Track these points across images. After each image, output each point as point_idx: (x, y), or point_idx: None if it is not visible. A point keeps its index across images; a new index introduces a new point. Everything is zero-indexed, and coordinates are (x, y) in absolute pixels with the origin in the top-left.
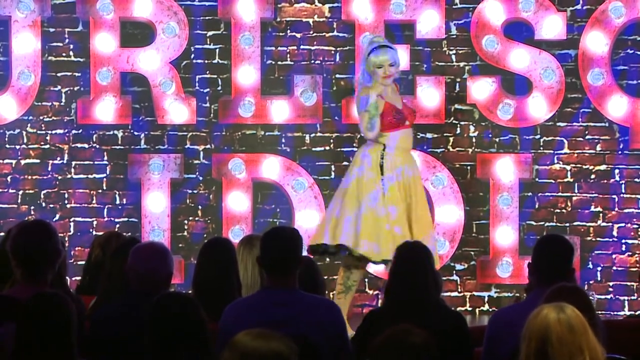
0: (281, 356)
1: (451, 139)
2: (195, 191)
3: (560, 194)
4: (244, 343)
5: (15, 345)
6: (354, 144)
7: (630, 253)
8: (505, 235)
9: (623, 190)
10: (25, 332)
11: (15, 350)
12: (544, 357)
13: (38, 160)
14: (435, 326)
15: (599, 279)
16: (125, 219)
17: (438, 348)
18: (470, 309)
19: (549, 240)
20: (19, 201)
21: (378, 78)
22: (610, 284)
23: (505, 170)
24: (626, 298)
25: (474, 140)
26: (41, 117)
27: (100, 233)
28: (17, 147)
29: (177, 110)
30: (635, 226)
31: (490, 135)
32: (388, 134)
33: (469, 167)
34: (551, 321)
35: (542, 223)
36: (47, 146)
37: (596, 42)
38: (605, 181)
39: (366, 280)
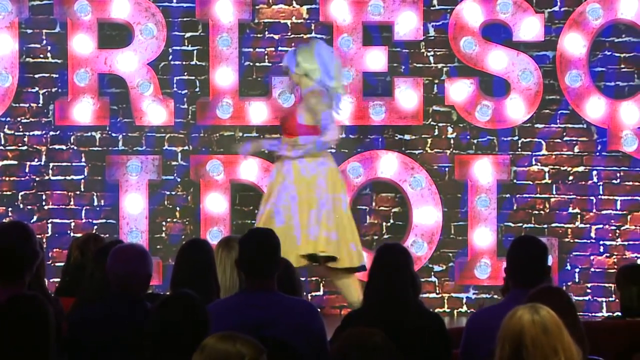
0: (251, 358)
1: (429, 140)
2: (173, 192)
3: (538, 195)
4: (212, 345)
5: None
6: (332, 146)
7: (608, 254)
8: (483, 236)
9: (601, 192)
10: (2, 334)
11: None
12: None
13: (16, 162)
14: (413, 328)
15: (577, 280)
16: (103, 221)
17: (417, 349)
18: (448, 310)
19: (522, 241)
20: None
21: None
22: (589, 285)
23: (484, 171)
24: (604, 299)
25: (452, 141)
26: (19, 119)
27: (79, 235)
28: None
29: (155, 112)
30: (613, 227)
31: (468, 137)
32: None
33: (447, 169)
34: (525, 323)
35: (520, 224)
36: (25, 147)
37: (574, 44)
38: (583, 183)
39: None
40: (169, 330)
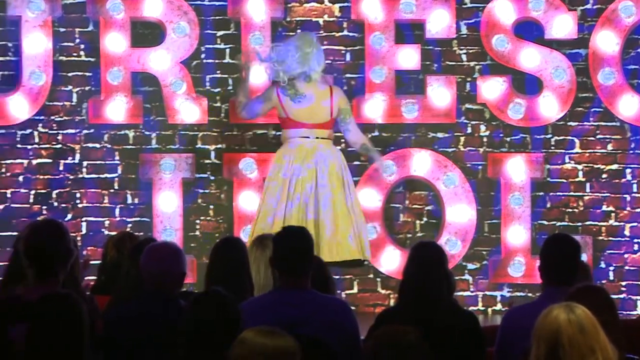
0: (288, 352)
1: (462, 138)
2: (206, 191)
3: (571, 193)
4: (251, 339)
5: (27, 346)
6: None
7: None
8: (517, 234)
9: (635, 190)
10: (36, 333)
11: (27, 350)
12: (555, 359)
13: (50, 160)
14: (447, 326)
15: (611, 278)
16: (137, 219)
17: (451, 348)
18: (482, 308)
19: (555, 239)
20: (31, 201)
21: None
22: (623, 283)
23: (517, 169)
24: (639, 297)
25: (485, 139)
26: (52, 117)
27: (113, 233)
28: (29, 147)
29: (188, 110)
30: None
31: (501, 135)
32: None
33: (480, 167)
34: (562, 322)
35: (553, 222)
36: (59, 146)
37: (607, 42)
38: (617, 180)
39: (378, 279)
40: (202, 328)
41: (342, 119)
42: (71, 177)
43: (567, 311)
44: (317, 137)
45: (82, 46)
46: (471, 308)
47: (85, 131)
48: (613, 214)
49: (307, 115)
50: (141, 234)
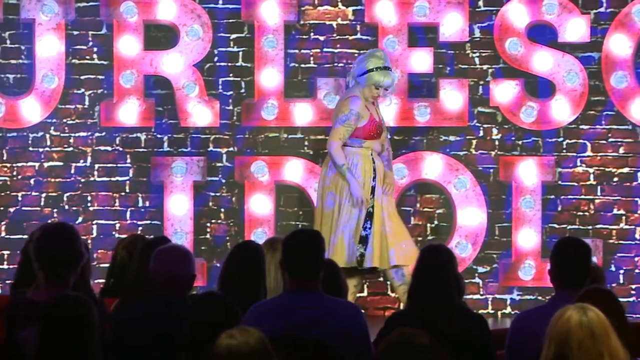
0: (253, 349)
1: (474, 141)
2: (218, 194)
3: (583, 196)
4: (217, 343)
5: (37, 348)
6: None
7: None
8: (527, 238)
9: None
10: (47, 335)
11: (37, 353)
12: None
13: (61, 163)
14: (457, 329)
15: (621, 281)
16: (148, 222)
17: (461, 351)
18: (492, 311)
19: (565, 243)
20: (42, 204)
21: (368, 95)
22: (633, 286)
23: (528, 173)
24: None
25: (496, 143)
26: (64, 120)
27: (123, 236)
28: (41, 149)
29: (200, 113)
30: None
31: (513, 138)
32: (367, 141)
33: (491, 170)
34: (573, 325)
35: (564, 226)
36: (71, 149)
37: (620, 45)
38: (628, 184)
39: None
40: (201, 330)
41: None
42: (82, 180)
43: (580, 313)
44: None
45: (95, 49)
46: (481, 311)
47: (97, 134)
48: (624, 217)
49: None
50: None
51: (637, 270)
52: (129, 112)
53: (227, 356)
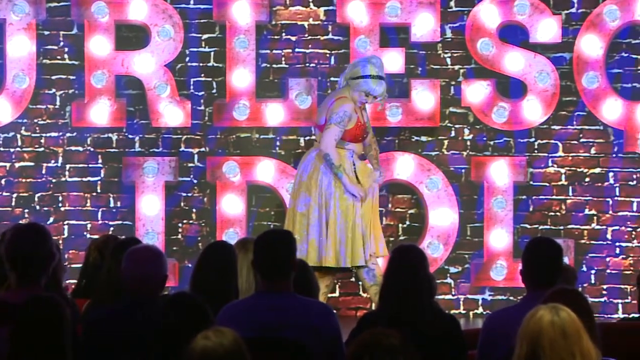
0: (227, 350)
1: (446, 142)
2: (189, 194)
3: (554, 197)
4: (193, 344)
5: (9, 349)
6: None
7: (624, 256)
8: (499, 238)
9: (617, 193)
10: (19, 336)
11: (10, 354)
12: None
13: (32, 163)
14: (429, 329)
15: (593, 282)
16: (120, 222)
17: (433, 351)
18: (464, 312)
19: (537, 243)
20: (13, 204)
21: (358, 100)
22: (604, 287)
23: (500, 173)
24: (620, 301)
25: (468, 143)
26: (36, 120)
27: (95, 236)
28: (12, 149)
29: (171, 113)
30: (629, 229)
31: (484, 139)
32: (351, 143)
33: (463, 170)
34: (544, 324)
35: (536, 226)
36: (42, 149)
37: (591, 46)
38: (600, 184)
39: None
40: (171, 330)
41: None
42: (54, 180)
43: (552, 313)
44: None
45: (66, 49)
46: (453, 311)
47: (68, 134)
48: (595, 218)
49: None
50: (123, 237)
51: (608, 271)
52: (100, 113)
53: (201, 357)
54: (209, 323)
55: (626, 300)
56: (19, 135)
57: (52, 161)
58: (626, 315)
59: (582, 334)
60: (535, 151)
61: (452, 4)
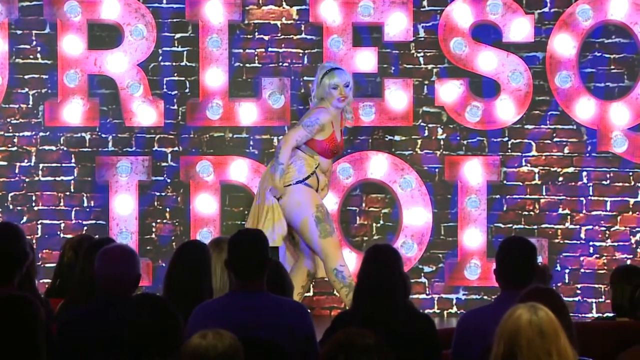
0: (225, 352)
1: (419, 141)
2: (163, 193)
3: (528, 196)
4: (188, 342)
5: None
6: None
7: (597, 255)
8: (473, 237)
9: (591, 193)
10: None
11: None
12: (511, 359)
13: (5, 163)
14: (403, 329)
15: (566, 281)
16: (93, 222)
17: (407, 350)
18: (438, 311)
19: (510, 242)
20: None
21: (334, 100)
22: (578, 286)
23: (473, 172)
24: (594, 300)
25: (442, 142)
26: (8, 120)
27: (69, 236)
28: None
29: (145, 113)
30: (602, 228)
31: (458, 138)
32: (319, 156)
33: (437, 170)
34: (522, 323)
35: (510, 225)
36: (15, 148)
37: (564, 45)
38: (573, 183)
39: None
40: (137, 332)
41: None
42: (27, 179)
43: (530, 312)
44: None
45: (39, 48)
46: (427, 311)
47: (41, 134)
48: (569, 217)
49: None
50: (96, 236)
51: (582, 270)
52: (74, 112)
53: (192, 356)
54: (175, 323)
55: (600, 300)
56: None
57: (25, 160)
58: (600, 315)
59: (560, 333)
60: (509, 150)
61: (424, 3)
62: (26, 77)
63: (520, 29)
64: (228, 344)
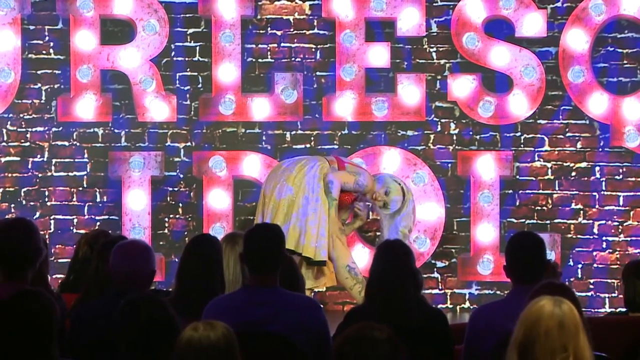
0: (217, 343)
1: (432, 136)
2: (176, 189)
3: (541, 191)
4: (182, 335)
5: None
6: (335, 142)
7: (610, 250)
8: (486, 232)
9: (603, 188)
10: (6, 330)
11: None
12: (528, 345)
13: (18, 158)
14: (416, 324)
15: (579, 276)
16: (106, 217)
17: (419, 346)
18: (451, 306)
19: (518, 238)
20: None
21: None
22: (591, 281)
23: (486, 167)
24: (607, 295)
25: (454, 137)
26: (21, 115)
27: (81, 231)
28: None
29: (157, 108)
30: (615, 223)
31: (470, 133)
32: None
33: (449, 165)
34: (544, 313)
35: (522, 220)
36: (28, 144)
37: (577, 40)
38: (586, 178)
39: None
40: (131, 331)
41: None
42: (40, 175)
43: (554, 304)
44: None
45: (52, 44)
46: (440, 306)
47: (54, 129)
48: (582, 212)
49: None
50: (109, 232)
51: (595, 265)
52: (86, 107)
53: (186, 348)
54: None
55: (613, 295)
56: (4, 130)
57: (38, 156)
58: (613, 310)
59: (580, 331)
60: (522, 145)
61: None
62: (39, 72)
63: (532, 23)
64: (220, 334)
